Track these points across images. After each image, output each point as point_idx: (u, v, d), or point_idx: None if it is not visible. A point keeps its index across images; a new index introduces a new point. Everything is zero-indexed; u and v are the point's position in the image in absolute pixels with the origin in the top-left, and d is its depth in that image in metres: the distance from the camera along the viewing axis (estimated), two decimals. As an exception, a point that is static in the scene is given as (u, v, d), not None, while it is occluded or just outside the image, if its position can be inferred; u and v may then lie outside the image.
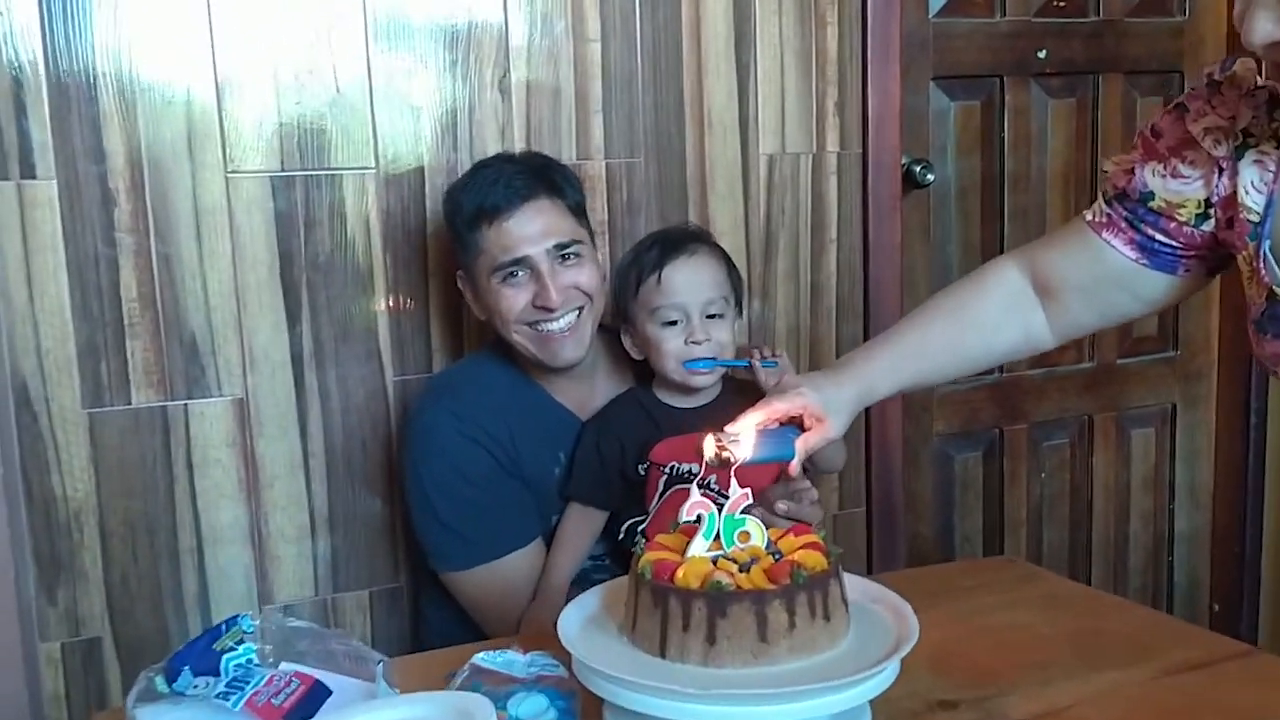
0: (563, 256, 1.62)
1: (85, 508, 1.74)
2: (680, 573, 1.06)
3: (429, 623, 1.82)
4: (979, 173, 2.37)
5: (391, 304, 1.88)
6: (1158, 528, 2.65)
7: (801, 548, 1.11)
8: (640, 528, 1.63)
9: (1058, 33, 2.37)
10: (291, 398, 1.84)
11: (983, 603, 1.39)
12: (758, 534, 1.12)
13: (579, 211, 1.69)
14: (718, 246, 1.67)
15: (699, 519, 1.13)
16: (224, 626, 1.12)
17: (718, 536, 1.12)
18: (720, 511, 1.12)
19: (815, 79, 2.11)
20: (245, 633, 1.11)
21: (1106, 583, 2.61)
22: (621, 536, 1.65)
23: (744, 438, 1.22)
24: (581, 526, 1.67)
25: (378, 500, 1.91)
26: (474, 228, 1.62)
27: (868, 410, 2.21)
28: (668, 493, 1.60)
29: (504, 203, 1.60)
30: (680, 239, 1.64)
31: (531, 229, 1.60)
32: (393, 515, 1.91)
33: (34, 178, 1.66)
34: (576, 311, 1.63)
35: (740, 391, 1.66)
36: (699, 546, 1.11)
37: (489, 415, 1.65)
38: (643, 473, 1.63)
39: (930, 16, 2.26)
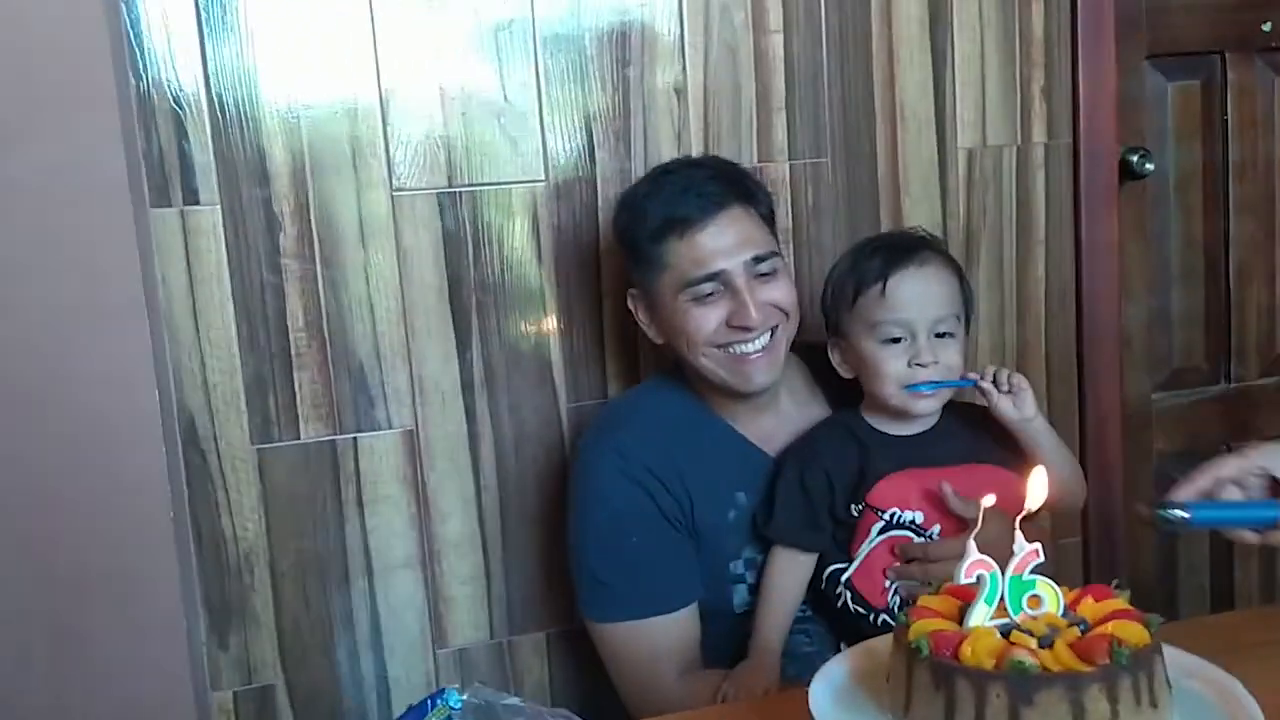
0: (760, 271, 1.46)
1: (256, 549, 1.65)
2: (968, 648, 0.88)
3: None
4: (1199, 161, 2.12)
5: (564, 326, 1.75)
6: None
7: (1111, 616, 0.92)
8: (844, 577, 1.45)
9: (1284, 1, 2.11)
10: (463, 428, 1.72)
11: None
12: (1051, 599, 0.94)
13: (771, 221, 1.53)
14: (950, 257, 1.48)
15: (978, 580, 0.94)
16: (430, 703, 0.99)
17: (1002, 601, 0.94)
18: (1004, 572, 0.94)
19: (1019, 63, 1.91)
20: (453, 709, 0.98)
21: (1350, 616, 2.32)
22: (823, 585, 1.48)
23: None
24: (790, 574, 1.48)
25: (552, 534, 1.77)
26: (660, 240, 1.46)
27: (1082, 428, 2.03)
28: (879, 539, 1.42)
29: (696, 212, 1.44)
30: (909, 245, 1.45)
31: (726, 241, 1.44)
32: (568, 550, 1.77)
33: (197, 204, 1.58)
34: (770, 331, 1.47)
35: (963, 416, 1.47)
36: (981, 614, 0.93)
37: (657, 452, 1.50)
38: (856, 513, 1.44)
39: (1143, -13, 2.02)
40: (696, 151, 1.74)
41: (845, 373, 1.49)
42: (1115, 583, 0.98)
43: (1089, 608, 0.93)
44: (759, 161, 1.79)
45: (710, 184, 1.46)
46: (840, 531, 1.46)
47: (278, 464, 1.64)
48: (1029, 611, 0.93)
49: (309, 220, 1.61)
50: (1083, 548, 2.05)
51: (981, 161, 1.91)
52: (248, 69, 1.58)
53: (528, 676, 1.79)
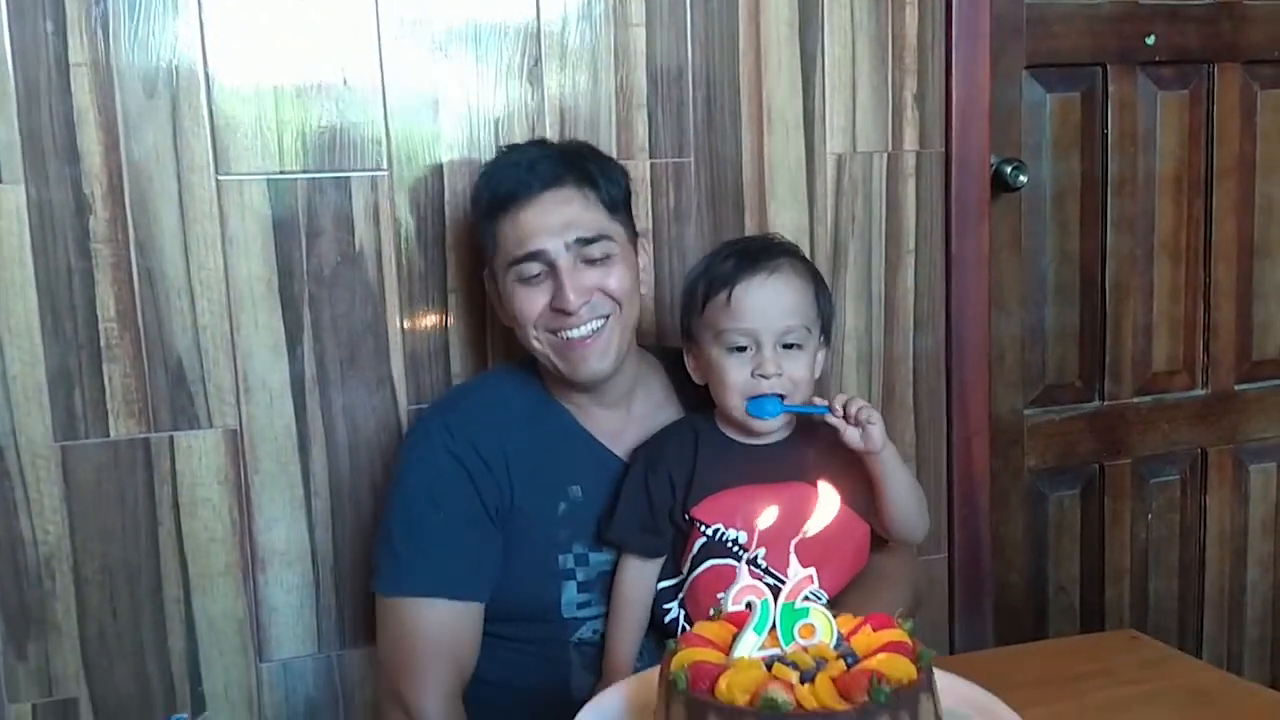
0: (588, 255, 1.40)
1: (57, 553, 1.54)
2: (724, 683, 0.82)
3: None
4: (1078, 174, 2.10)
5: (405, 324, 1.66)
6: (1278, 576, 2.34)
7: (882, 649, 0.86)
8: (674, 601, 1.39)
9: (1168, 16, 2.09)
10: (291, 429, 1.62)
11: (1107, 698, 1.12)
12: (825, 628, 0.88)
13: (615, 207, 1.45)
14: (807, 263, 1.43)
15: (749, 606, 0.88)
16: (152, 733, 0.90)
17: (773, 629, 0.88)
18: (776, 599, 0.88)
19: (891, 68, 1.85)
20: (179, 740, 0.90)
21: (1219, 638, 2.31)
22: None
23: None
24: (638, 586, 1.41)
25: (391, 544, 1.69)
26: (492, 216, 1.43)
27: (949, 443, 1.98)
28: (701, 567, 1.36)
29: (523, 190, 1.39)
30: (761, 252, 1.39)
31: (550, 220, 1.39)
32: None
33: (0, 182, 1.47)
34: (601, 320, 1.41)
35: (818, 429, 1.40)
36: (749, 645, 0.87)
37: (487, 434, 1.44)
38: (686, 522, 1.38)
39: (1024, -4, 1.99)
40: (553, 144, 1.67)
41: (698, 379, 1.44)
42: (899, 613, 0.92)
43: (862, 640, 0.87)
44: (619, 158, 1.70)
45: (544, 162, 1.42)
46: (679, 539, 1.40)
47: (83, 462, 1.53)
48: (801, 642, 0.87)
49: (123, 203, 1.51)
50: (948, 565, 2.01)
51: (851, 168, 1.86)
52: (58, 37, 1.47)
53: (358, 693, 1.70)
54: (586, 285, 1.39)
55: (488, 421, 1.46)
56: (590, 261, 1.40)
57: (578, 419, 1.49)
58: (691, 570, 1.37)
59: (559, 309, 1.38)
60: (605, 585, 1.45)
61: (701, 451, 1.40)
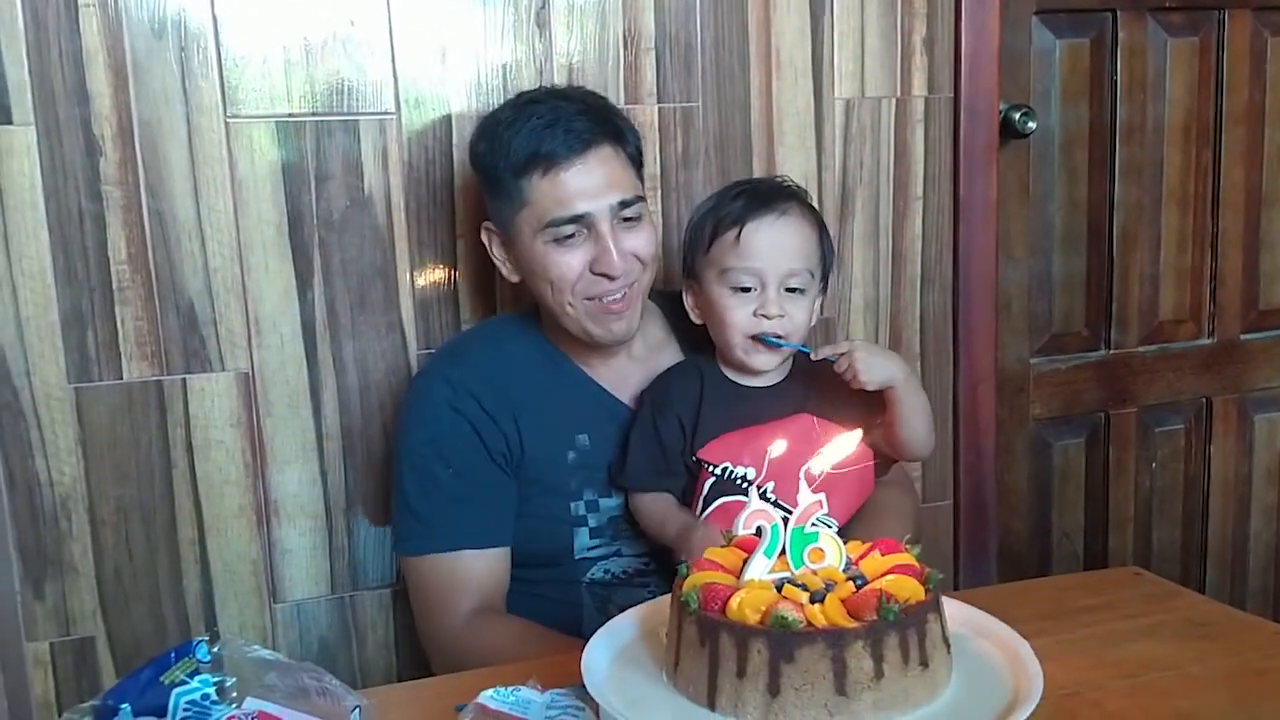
0: (625, 216, 1.39)
1: (73, 494, 1.56)
2: (735, 602, 0.83)
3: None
4: (1087, 121, 2.09)
5: (415, 268, 1.67)
6: (1282, 525, 2.36)
7: (890, 571, 0.87)
8: None
9: (1179, -39, 2.08)
10: (303, 373, 1.64)
11: (1110, 629, 1.14)
12: (834, 552, 0.89)
13: (639, 162, 1.46)
14: (813, 209, 1.43)
15: (759, 531, 0.89)
16: (174, 655, 0.92)
17: (783, 553, 0.89)
18: (786, 523, 0.89)
19: (900, 12, 1.85)
20: (201, 663, 0.92)
21: (1223, 587, 2.33)
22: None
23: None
24: (659, 499, 1.42)
25: (401, 488, 1.70)
26: (522, 175, 1.38)
27: (955, 391, 2.00)
28: (713, 505, 1.37)
29: (563, 149, 1.36)
30: (771, 194, 1.40)
31: (593, 182, 1.37)
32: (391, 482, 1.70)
33: (10, 123, 1.47)
34: (630, 284, 1.41)
35: (815, 371, 1.41)
36: (759, 568, 0.88)
37: (490, 386, 1.44)
38: (695, 462, 1.39)
39: (1033, -59, 1.98)
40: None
41: (696, 318, 1.45)
42: (907, 539, 0.94)
43: (871, 563, 0.89)
44: (626, 103, 1.71)
45: (579, 120, 1.38)
46: (689, 482, 1.41)
47: (97, 405, 1.55)
48: (810, 565, 0.88)
49: (133, 144, 1.51)
50: (954, 511, 2.02)
51: (859, 113, 1.86)
52: (68, -21, 1.47)
53: (371, 634, 1.72)
54: (626, 249, 1.38)
55: (490, 374, 1.46)
56: (625, 222, 1.39)
57: (583, 368, 1.50)
58: (703, 510, 1.38)
59: (602, 273, 1.37)
60: (615, 528, 1.47)
61: (707, 394, 1.42)
